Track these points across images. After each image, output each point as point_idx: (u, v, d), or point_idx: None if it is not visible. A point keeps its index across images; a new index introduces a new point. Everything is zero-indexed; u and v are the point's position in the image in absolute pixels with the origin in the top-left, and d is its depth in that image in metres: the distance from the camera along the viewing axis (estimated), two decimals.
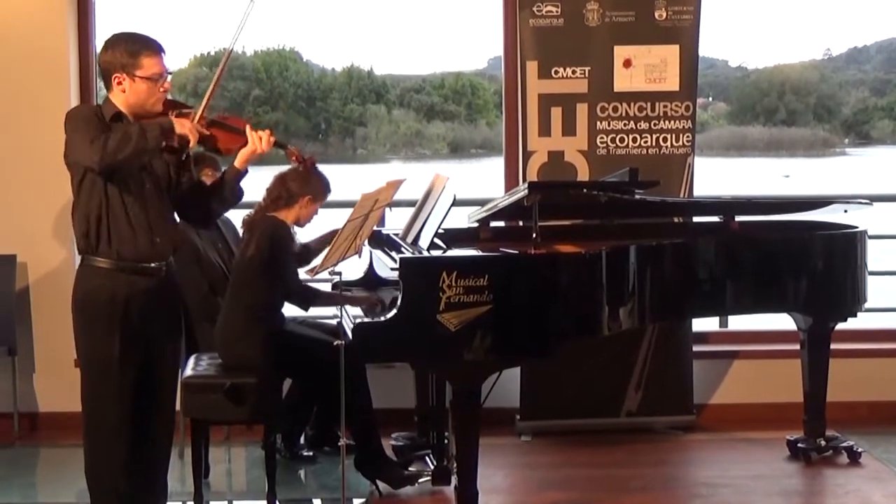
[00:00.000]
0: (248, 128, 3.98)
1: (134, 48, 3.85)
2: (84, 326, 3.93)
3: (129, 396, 3.92)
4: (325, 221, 5.24)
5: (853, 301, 5.35)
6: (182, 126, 3.80)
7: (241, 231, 5.17)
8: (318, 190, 5.00)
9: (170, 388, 4.17)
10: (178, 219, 4.15)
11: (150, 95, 3.87)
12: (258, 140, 3.93)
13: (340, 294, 4.57)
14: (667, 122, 5.85)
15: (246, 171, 4.06)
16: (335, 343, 4.37)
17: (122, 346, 3.87)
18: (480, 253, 4.71)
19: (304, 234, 5.24)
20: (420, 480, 4.94)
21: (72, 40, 6.02)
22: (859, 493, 5.02)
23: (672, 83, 5.84)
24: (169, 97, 3.99)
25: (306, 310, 5.05)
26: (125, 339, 3.88)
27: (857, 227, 5.37)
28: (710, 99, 37.45)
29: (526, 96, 5.83)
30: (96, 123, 3.77)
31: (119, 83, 3.86)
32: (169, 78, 3.92)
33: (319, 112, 34.88)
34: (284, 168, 4.99)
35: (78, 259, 3.95)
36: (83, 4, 6.09)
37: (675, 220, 5.77)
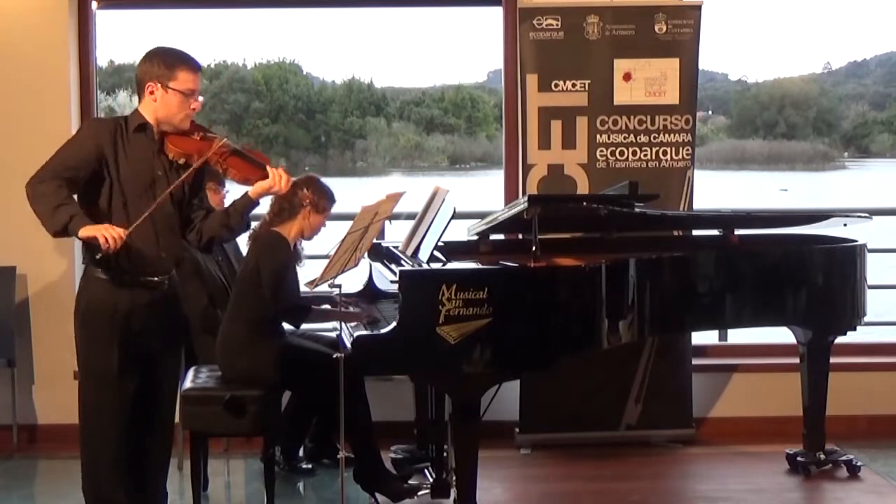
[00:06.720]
0: (269, 165, 3.98)
1: (172, 60, 3.91)
2: (85, 337, 3.94)
3: (127, 409, 3.93)
4: (325, 234, 5.23)
5: (853, 315, 5.35)
6: (88, 231, 3.66)
7: (247, 243, 5.18)
8: (318, 201, 5.00)
9: (169, 401, 4.18)
10: None
11: (181, 110, 3.91)
12: (279, 178, 3.94)
13: (334, 311, 4.59)
14: (666, 135, 5.86)
15: (257, 203, 4.09)
16: (335, 356, 4.38)
17: (121, 358, 3.87)
18: (480, 266, 4.71)
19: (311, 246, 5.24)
20: (419, 493, 4.93)
21: (72, 54, 6.03)
22: None
23: (672, 97, 5.85)
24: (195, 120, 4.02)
25: (297, 327, 5.06)
26: (125, 352, 3.88)
27: (856, 241, 5.37)
28: (710, 112, 37.50)
29: (526, 109, 5.84)
30: (80, 152, 3.83)
31: (151, 92, 3.89)
32: (200, 98, 3.95)
33: (319, 125, 34.90)
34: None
35: (78, 271, 3.95)
36: (84, 18, 6.11)
37: (675, 233, 5.78)
